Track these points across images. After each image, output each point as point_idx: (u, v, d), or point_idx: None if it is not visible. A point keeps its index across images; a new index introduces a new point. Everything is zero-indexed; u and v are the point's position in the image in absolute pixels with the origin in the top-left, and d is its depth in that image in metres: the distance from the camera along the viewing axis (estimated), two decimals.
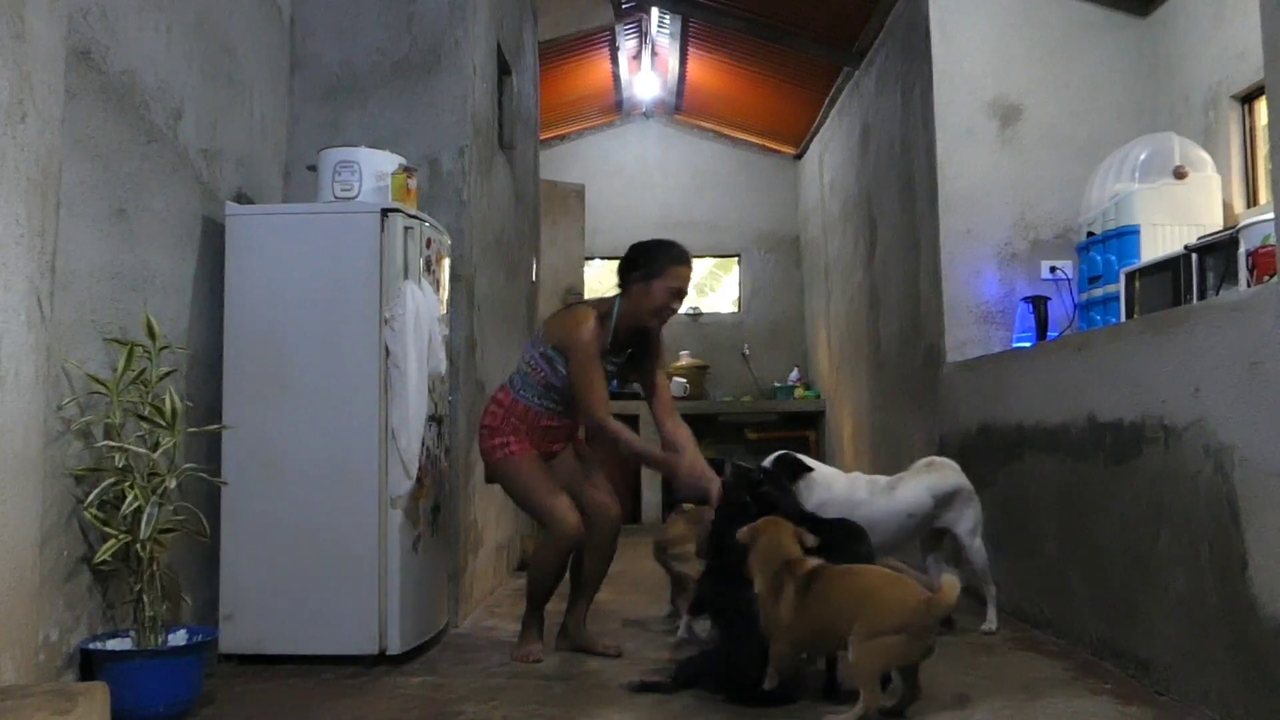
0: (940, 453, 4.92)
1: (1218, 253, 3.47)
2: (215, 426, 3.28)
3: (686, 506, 3.93)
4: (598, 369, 3.46)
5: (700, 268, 9.80)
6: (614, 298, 3.61)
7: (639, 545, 4.56)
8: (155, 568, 2.78)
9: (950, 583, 2.57)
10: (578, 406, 3.53)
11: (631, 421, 7.96)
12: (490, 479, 3.68)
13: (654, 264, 3.53)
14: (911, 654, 2.62)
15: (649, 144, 9.51)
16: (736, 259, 9.52)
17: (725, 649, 3.00)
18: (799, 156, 9.24)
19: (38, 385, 2.27)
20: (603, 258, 9.47)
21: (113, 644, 2.74)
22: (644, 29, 7.70)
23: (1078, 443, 3.44)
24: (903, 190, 5.63)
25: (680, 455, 3.47)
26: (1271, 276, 3.05)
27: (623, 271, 3.61)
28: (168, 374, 2.96)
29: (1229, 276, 3.38)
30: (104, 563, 2.71)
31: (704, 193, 9.38)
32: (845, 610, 2.62)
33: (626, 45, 8.03)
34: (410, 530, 3.45)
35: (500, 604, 4.56)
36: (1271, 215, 2.93)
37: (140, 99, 3.04)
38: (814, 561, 2.79)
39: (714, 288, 9.75)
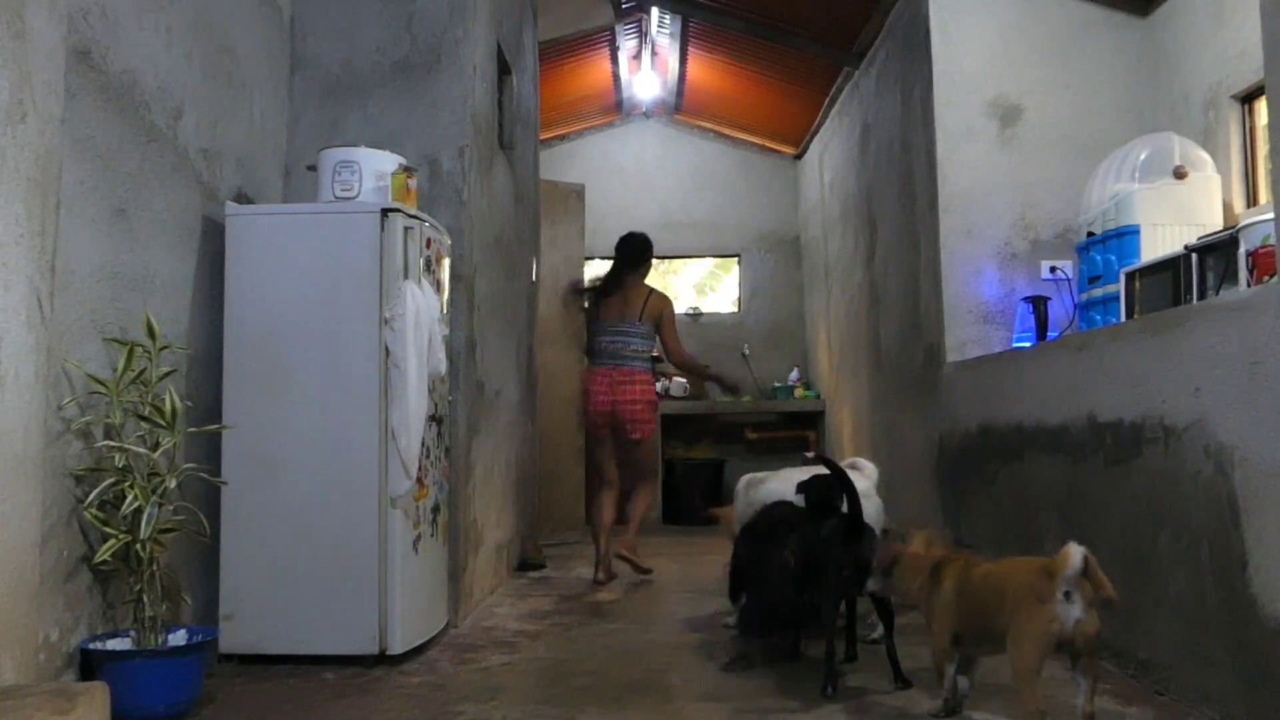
0: (940, 452, 4.93)
1: (1218, 253, 3.47)
2: (215, 426, 3.29)
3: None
4: None
5: (700, 268, 9.81)
6: (639, 278, 5.30)
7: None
8: (155, 568, 2.79)
9: (1071, 548, 2.36)
10: (672, 350, 5.33)
11: None
12: (644, 442, 5.18)
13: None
14: (1048, 634, 2.36)
15: (649, 144, 9.51)
16: (736, 259, 9.52)
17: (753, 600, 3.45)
18: (799, 156, 9.24)
19: (38, 385, 2.27)
20: (603, 258, 9.43)
21: (113, 644, 2.74)
22: (644, 29, 7.70)
23: (1078, 443, 3.44)
24: (903, 190, 5.63)
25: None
26: (1271, 276, 3.05)
27: (646, 257, 5.30)
28: (168, 374, 2.96)
29: (1229, 276, 3.38)
30: (104, 563, 2.71)
31: (704, 193, 9.38)
32: (994, 606, 2.53)
33: (626, 45, 8.03)
34: (410, 530, 3.45)
35: (500, 604, 4.57)
36: (1271, 215, 2.94)
37: (140, 99, 3.04)
38: (964, 556, 2.81)
39: (714, 288, 9.74)
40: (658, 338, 5.27)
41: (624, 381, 5.10)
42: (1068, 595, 2.35)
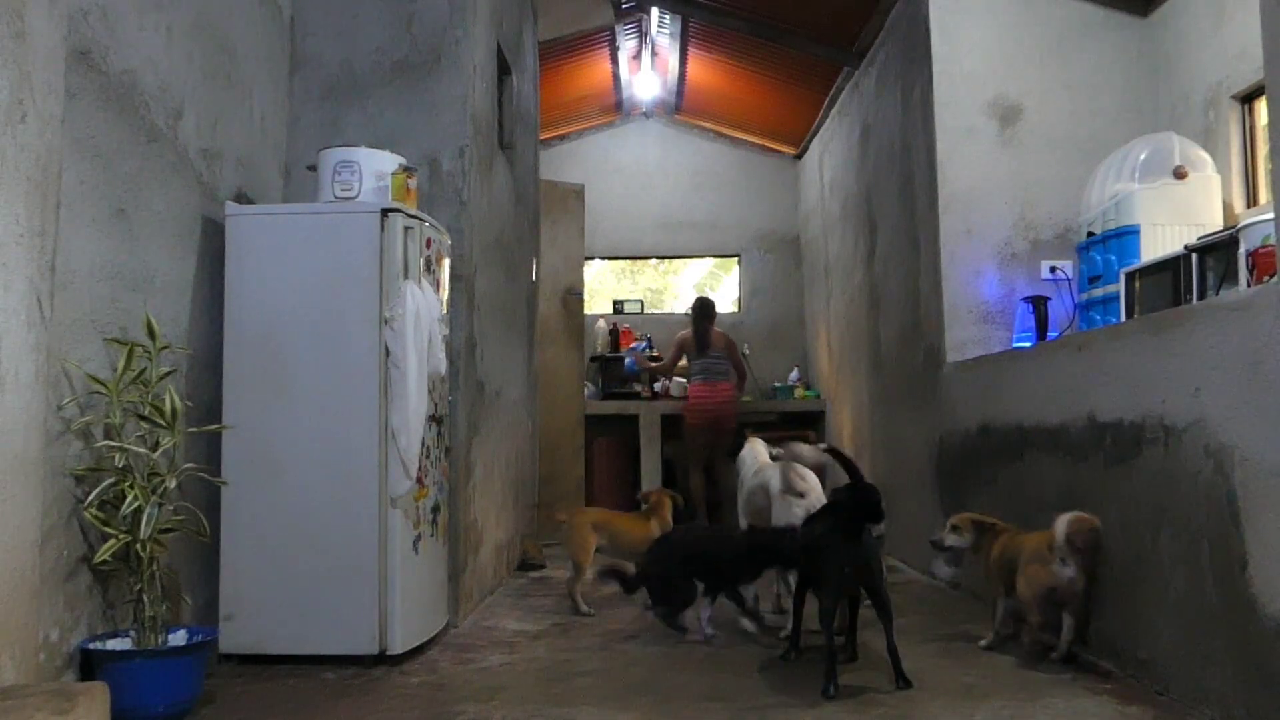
0: (940, 452, 4.93)
1: (1218, 253, 3.47)
2: (215, 426, 3.29)
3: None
4: None
5: (700, 268, 9.81)
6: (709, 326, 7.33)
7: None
8: (155, 568, 2.79)
9: (1062, 520, 3.21)
10: (740, 370, 7.50)
11: (633, 420, 8.05)
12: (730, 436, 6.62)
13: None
14: (1041, 581, 3.25)
15: (649, 144, 9.50)
16: (736, 259, 9.52)
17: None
18: (799, 156, 9.23)
19: (38, 385, 2.27)
20: (603, 258, 9.46)
21: (113, 644, 2.74)
22: (644, 29, 7.70)
23: (1078, 443, 3.44)
24: (903, 190, 5.63)
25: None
26: (1271, 276, 3.05)
27: (712, 315, 7.36)
28: (168, 374, 2.96)
29: (1229, 276, 3.38)
30: (104, 563, 2.71)
31: (704, 193, 9.37)
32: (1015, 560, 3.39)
33: (626, 45, 8.03)
34: (410, 530, 3.45)
35: (500, 604, 4.57)
36: (1271, 215, 2.94)
37: (140, 99, 3.04)
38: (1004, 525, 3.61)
39: (714, 288, 9.74)
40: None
41: (717, 389, 7.41)
42: (1062, 560, 3.20)
